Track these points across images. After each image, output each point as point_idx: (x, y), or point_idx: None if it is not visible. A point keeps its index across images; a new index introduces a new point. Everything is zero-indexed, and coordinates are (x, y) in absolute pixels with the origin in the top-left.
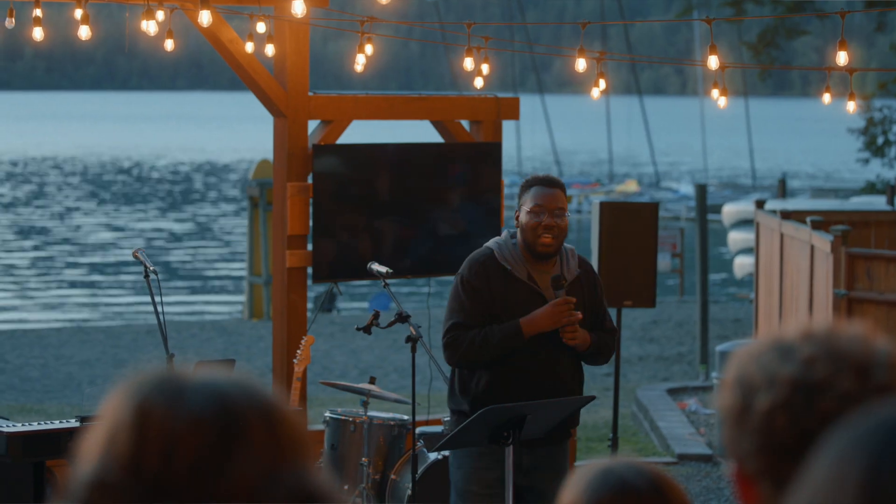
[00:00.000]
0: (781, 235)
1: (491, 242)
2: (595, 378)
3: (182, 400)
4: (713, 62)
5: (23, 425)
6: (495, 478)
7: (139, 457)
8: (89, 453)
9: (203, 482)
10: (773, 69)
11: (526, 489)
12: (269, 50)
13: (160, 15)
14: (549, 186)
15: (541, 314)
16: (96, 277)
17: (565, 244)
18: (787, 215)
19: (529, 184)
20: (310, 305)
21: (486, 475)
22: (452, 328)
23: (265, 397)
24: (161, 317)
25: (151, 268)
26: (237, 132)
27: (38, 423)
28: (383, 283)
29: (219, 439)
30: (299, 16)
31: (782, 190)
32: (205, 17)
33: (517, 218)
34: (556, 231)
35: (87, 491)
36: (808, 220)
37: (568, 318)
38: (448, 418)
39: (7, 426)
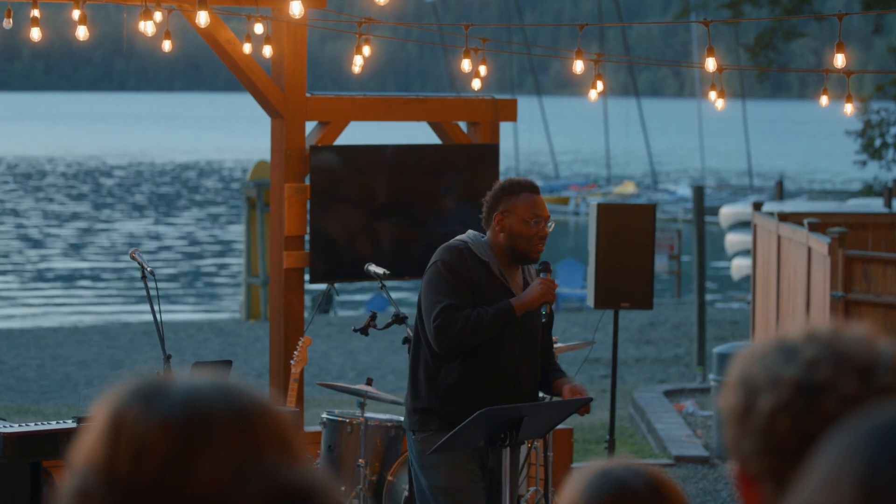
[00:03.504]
0: (779, 237)
1: (463, 236)
2: (592, 380)
3: (153, 404)
4: (711, 64)
5: (19, 426)
6: (473, 471)
7: (112, 462)
8: (75, 465)
9: (172, 484)
10: (771, 71)
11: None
12: (267, 51)
13: (158, 16)
14: (536, 193)
15: (530, 290)
16: (92, 278)
17: None
18: (784, 217)
19: (515, 189)
20: (308, 306)
21: (469, 467)
22: (444, 310)
23: (242, 397)
24: (158, 317)
25: (148, 268)
26: (234, 133)
27: (35, 424)
28: (380, 285)
29: (186, 441)
30: (297, 17)
31: (780, 192)
32: (202, 18)
33: (499, 221)
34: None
35: (71, 502)
36: (805, 222)
37: (553, 297)
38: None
39: (4, 427)
